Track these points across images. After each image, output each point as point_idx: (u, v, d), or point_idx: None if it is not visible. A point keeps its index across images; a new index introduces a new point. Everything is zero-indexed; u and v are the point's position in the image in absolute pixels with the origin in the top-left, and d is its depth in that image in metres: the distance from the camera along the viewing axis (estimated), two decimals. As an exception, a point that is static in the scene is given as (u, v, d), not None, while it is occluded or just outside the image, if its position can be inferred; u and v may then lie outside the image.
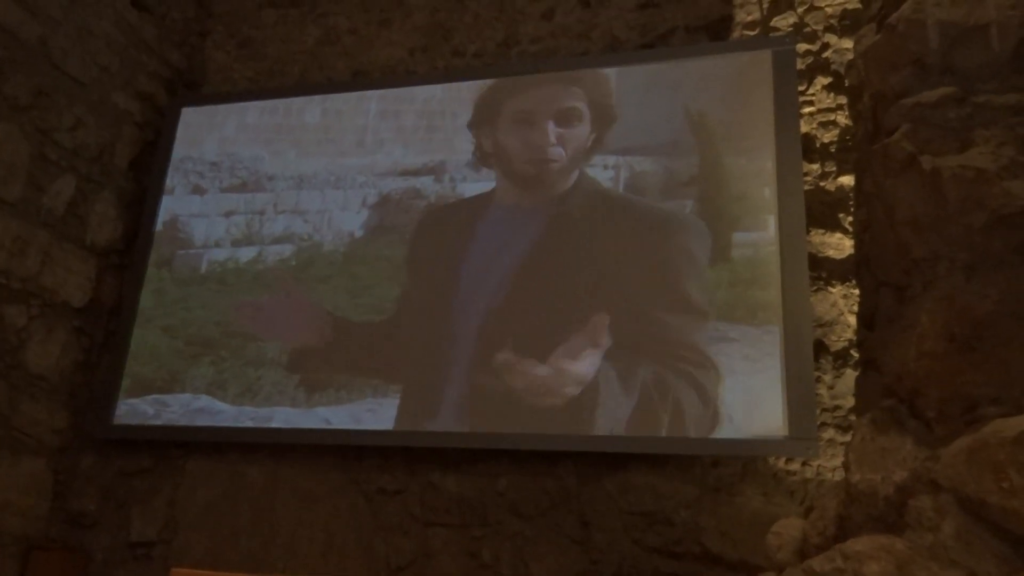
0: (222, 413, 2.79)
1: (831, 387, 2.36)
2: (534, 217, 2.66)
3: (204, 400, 2.83)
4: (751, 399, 2.30)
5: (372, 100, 3.10)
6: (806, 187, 2.50)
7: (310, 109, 3.17)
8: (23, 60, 2.74)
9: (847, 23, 2.66)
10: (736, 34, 2.82)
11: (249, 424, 2.73)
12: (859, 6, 2.41)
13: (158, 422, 2.83)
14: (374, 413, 2.65)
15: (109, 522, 2.86)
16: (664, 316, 2.40)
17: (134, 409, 2.89)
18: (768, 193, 2.48)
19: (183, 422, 2.81)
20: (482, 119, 2.88)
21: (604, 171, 2.70)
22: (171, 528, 2.79)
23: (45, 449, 2.81)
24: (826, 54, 2.67)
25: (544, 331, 2.52)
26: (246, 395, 2.79)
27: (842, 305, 2.42)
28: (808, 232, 2.45)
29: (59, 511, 2.86)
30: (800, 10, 2.75)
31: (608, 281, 2.51)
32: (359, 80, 3.25)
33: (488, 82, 2.94)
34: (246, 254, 3.03)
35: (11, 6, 2.70)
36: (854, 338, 2.32)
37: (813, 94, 2.64)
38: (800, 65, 2.65)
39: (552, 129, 2.72)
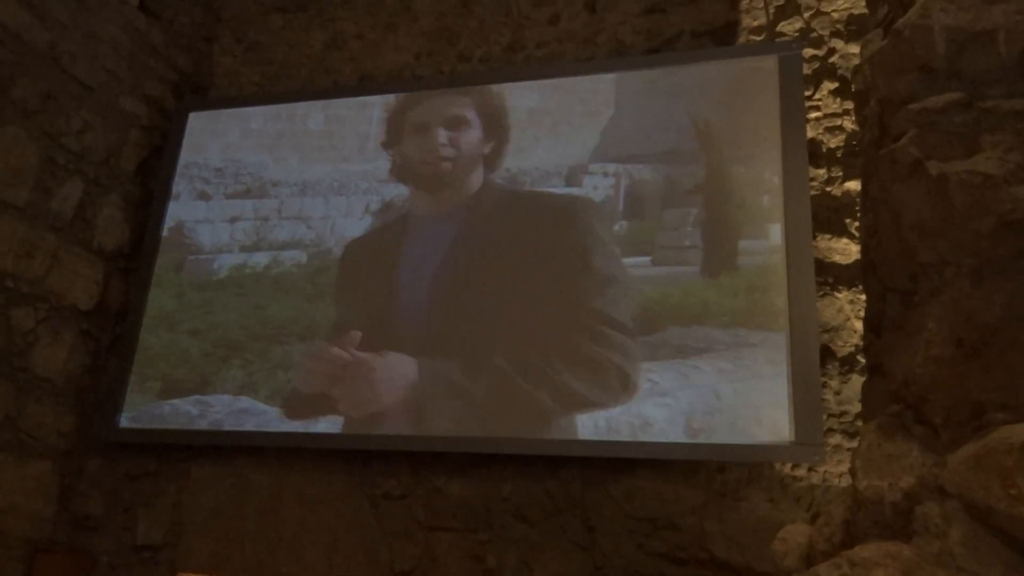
0: (265, 413, 2.78)
1: (838, 393, 2.35)
2: (449, 221, 2.83)
3: (245, 401, 2.83)
4: (757, 404, 2.29)
5: (374, 107, 3.11)
6: (813, 192, 2.50)
7: (313, 115, 3.19)
8: (32, 65, 2.76)
9: (853, 28, 2.66)
10: (742, 39, 2.82)
11: (297, 426, 2.73)
12: (865, 11, 2.41)
13: (203, 423, 2.83)
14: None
15: (114, 525, 2.86)
16: (574, 289, 2.58)
17: (176, 410, 2.88)
18: (774, 200, 2.48)
19: (229, 422, 2.80)
20: (392, 138, 3.05)
21: (604, 179, 2.72)
22: (176, 532, 2.79)
23: (51, 452, 2.82)
24: (832, 59, 2.67)
25: (477, 330, 2.65)
26: (276, 397, 2.79)
27: (848, 310, 2.41)
28: (814, 237, 2.45)
29: (64, 514, 2.86)
30: (806, 15, 2.75)
31: (525, 268, 2.66)
32: (365, 85, 3.27)
33: (393, 103, 3.08)
34: (260, 260, 3.04)
35: (20, 11, 2.72)
36: (861, 343, 2.32)
37: (819, 99, 2.64)
38: (806, 70, 2.65)
39: (442, 133, 2.95)
